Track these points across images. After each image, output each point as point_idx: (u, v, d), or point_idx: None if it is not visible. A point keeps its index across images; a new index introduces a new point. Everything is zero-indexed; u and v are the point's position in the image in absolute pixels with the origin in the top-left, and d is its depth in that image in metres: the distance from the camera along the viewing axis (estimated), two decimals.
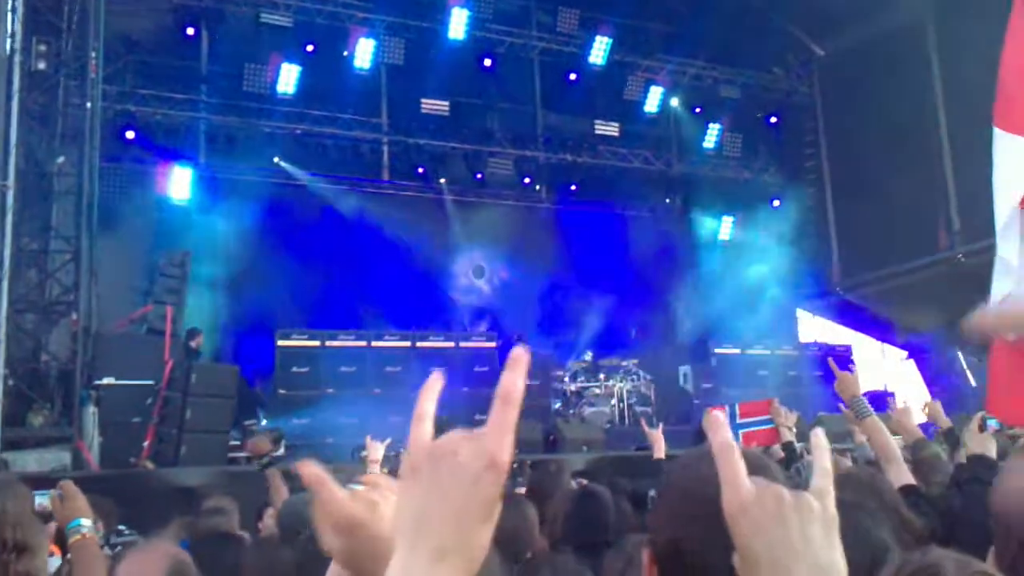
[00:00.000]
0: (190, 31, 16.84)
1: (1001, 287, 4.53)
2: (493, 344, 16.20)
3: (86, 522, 3.20)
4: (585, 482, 6.25)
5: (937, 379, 18.43)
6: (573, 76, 19.78)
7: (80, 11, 12.02)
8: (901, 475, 3.95)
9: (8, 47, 10.17)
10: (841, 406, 5.19)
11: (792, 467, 5.97)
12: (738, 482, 1.30)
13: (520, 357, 1.20)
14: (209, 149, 17.04)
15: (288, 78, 17.02)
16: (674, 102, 21.03)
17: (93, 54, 11.90)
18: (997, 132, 4.82)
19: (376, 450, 5.09)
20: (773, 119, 21.57)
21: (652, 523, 1.60)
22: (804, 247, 21.30)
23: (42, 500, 3.33)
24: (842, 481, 3.77)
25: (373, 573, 1.24)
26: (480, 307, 18.79)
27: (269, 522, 6.00)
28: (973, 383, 16.01)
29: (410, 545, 1.10)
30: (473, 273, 19.33)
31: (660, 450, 5.94)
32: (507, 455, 1.15)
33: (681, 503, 1.56)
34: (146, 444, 10.51)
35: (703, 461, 1.60)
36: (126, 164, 15.85)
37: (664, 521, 1.57)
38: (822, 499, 1.27)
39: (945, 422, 5.56)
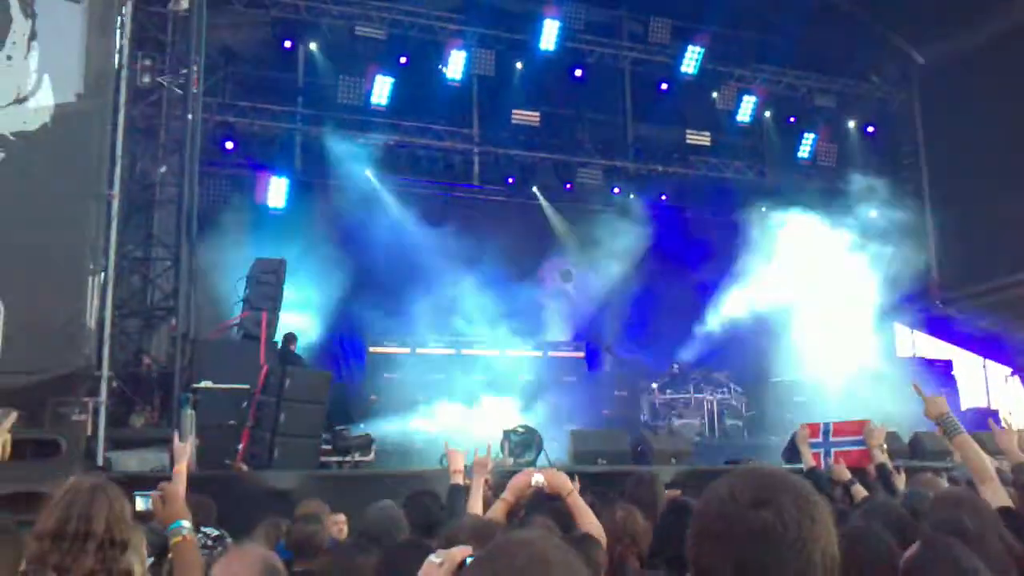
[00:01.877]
0: (287, 44, 17.28)
1: None
2: (581, 354, 16.19)
3: (186, 524, 3.30)
4: (678, 492, 6.14)
5: None
6: (664, 86, 19.66)
7: (183, 27, 12.42)
8: (997, 496, 3.82)
9: (116, 62, 10.53)
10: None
11: (892, 489, 5.82)
12: None
13: None
14: (305, 159, 17.41)
15: (382, 90, 17.31)
16: (767, 112, 20.73)
17: (195, 68, 12.27)
18: None
19: (457, 460, 5.03)
20: (870, 128, 21.08)
21: (689, 547, 1.62)
22: (902, 259, 20.75)
23: (143, 501, 3.44)
24: (941, 500, 3.69)
25: None
26: (568, 313, 18.77)
27: (333, 529, 6.07)
28: None
29: None
30: (561, 277, 19.32)
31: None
32: None
33: (698, 522, 1.61)
34: (241, 447, 10.74)
35: (724, 480, 1.63)
36: (225, 173, 16.33)
37: (690, 540, 1.61)
38: None
39: None
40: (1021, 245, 17.52)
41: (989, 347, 19.82)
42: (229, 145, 16.33)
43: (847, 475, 5.98)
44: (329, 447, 11.76)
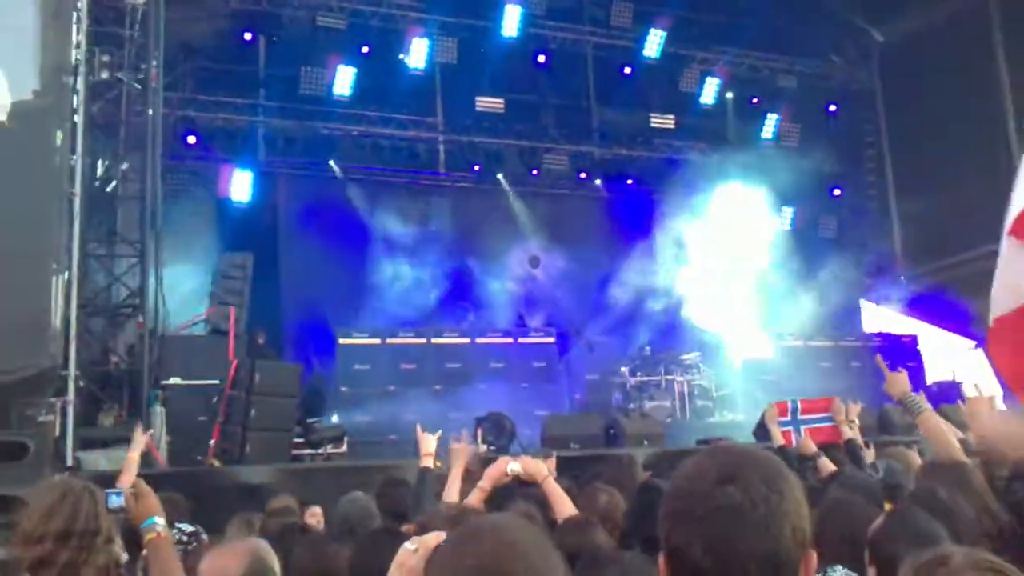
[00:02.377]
0: (247, 36, 17.15)
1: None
2: (551, 340, 16.21)
3: (160, 520, 3.29)
4: (648, 474, 6.18)
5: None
6: (628, 70, 19.69)
7: (142, 21, 12.27)
8: None
9: (73, 58, 10.39)
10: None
11: (860, 464, 5.90)
12: None
13: None
14: (268, 151, 17.30)
15: (344, 80, 17.21)
16: (730, 93, 20.82)
17: (154, 62, 12.15)
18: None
19: (427, 442, 5.05)
20: (832, 108, 21.24)
21: (660, 527, 1.60)
22: (865, 236, 20.99)
23: (115, 499, 3.43)
24: (929, 471, 3.76)
25: None
26: (536, 298, 18.80)
27: (311, 521, 6.08)
28: None
29: None
30: (529, 263, 19.34)
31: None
32: None
33: (667, 502, 1.59)
34: (212, 443, 10.70)
35: (692, 459, 1.62)
36: (187, 168, 16.18)
37: (660, 522, 1.59)
38: None
39: None
40: (981, 220, 17.68)
41: (953, 321, 20.07)
42: (191, 139, 16.18)
43: (813, 448, 6.06)
44: (301, 440, 11.74)
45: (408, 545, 1.90)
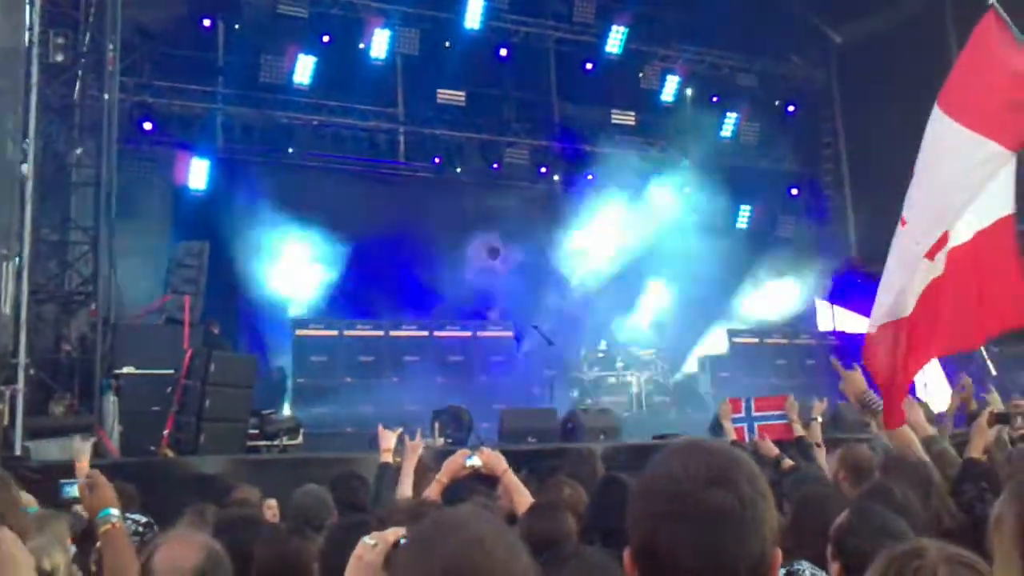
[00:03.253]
0: (206, 22, 16.92)
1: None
2: (509, 334, 16.25)
3: (115, 511, 3.23)
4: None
5: (957, 367, 18.29)
6: (589, 66, 19.71)
7: (97, 3, 12.06)
8: None
9: (26, 40, 10.20)
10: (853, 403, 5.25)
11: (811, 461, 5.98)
12: None
13: None
14: (226, 139, 17.09)
15: (304, 69, 17.04)
16: (690, 91, 20.92)
17: (111, 46, 11.94)
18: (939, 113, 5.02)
19: (387, 439, 5.10)
20: (791, 107, 21.45)
21: (627, 523, 1.57)
22: (822, 235, 21.23)
23: (69, 489, 3.37)
24: (889, 466, 3.81)
25: None
26: (496, 291, 18.81)
27: (267, 513, 6.04)
28: (994, 372, 15.89)
29: None
30: (488, 254, 19.33)
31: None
32: None
33: (648, 501, 1.54)
34: (166, 433, 10.57)
35: (671, 456, 1.58)
36: (144, 155, 15.93)
37: (635, 520, 1.55)
38: None
39: (973, 405, 5.61)
40: None
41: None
42: (148, 126, 15.93)
43: (775, 451, 6.12)
44: (256, 431, 11.64)
45: (367, 540, 1.88)
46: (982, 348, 17.42)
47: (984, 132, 5.01)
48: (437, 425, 11.69)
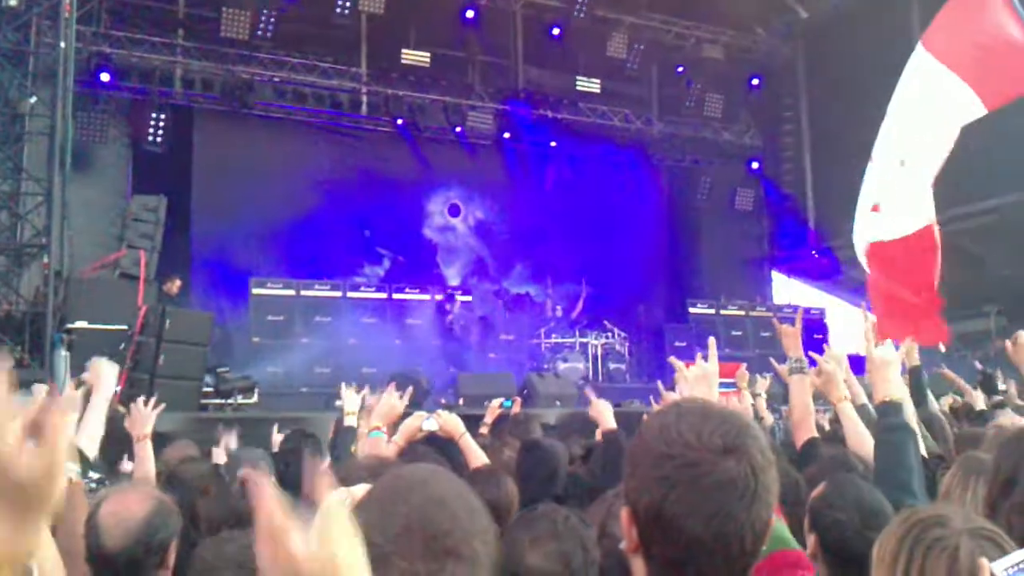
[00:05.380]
0: None
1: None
2: (468, 298, 16.28)
3: (73, 467, 3.18)
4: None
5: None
6: (556, 31, 19.56)
7: None
8: (810, 434, 4.09)
9: None
10: (773, 362, 5.33)
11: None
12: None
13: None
14: (186, 94, 16.81)
15: (267, 24, 16.72)
16: (656, 61, 20.87)
17: None
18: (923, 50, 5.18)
19: (352, 400, 5.00)
20: (755, 81, 21.51)
21: (629, 484, 1.56)
22: (781, 209, 21.39)
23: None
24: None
25: None
26: (456, 250, 18.80)
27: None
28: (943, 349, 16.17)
29: None
30: (448, 212, 19.32)
31: (608, 420, 5.02)
32: None
33: (658, 466, 1.52)
34: (118, 389, 10.45)
35: (681, 420, 1.56)
36: (100, 107, 15.60)
37: (641, 483, 1.54)
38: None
39: (914, 360, 5.71)
40: None
41: (861, 296, 20.62)
42: (105, 77, 15.57)
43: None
44: (211, 390, 11.56)
45: (335, 495, 1.87)
46: None
47: (968, 80, 5.14)
48: (392, 388, 11.66)
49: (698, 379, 2.91)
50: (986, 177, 15.07)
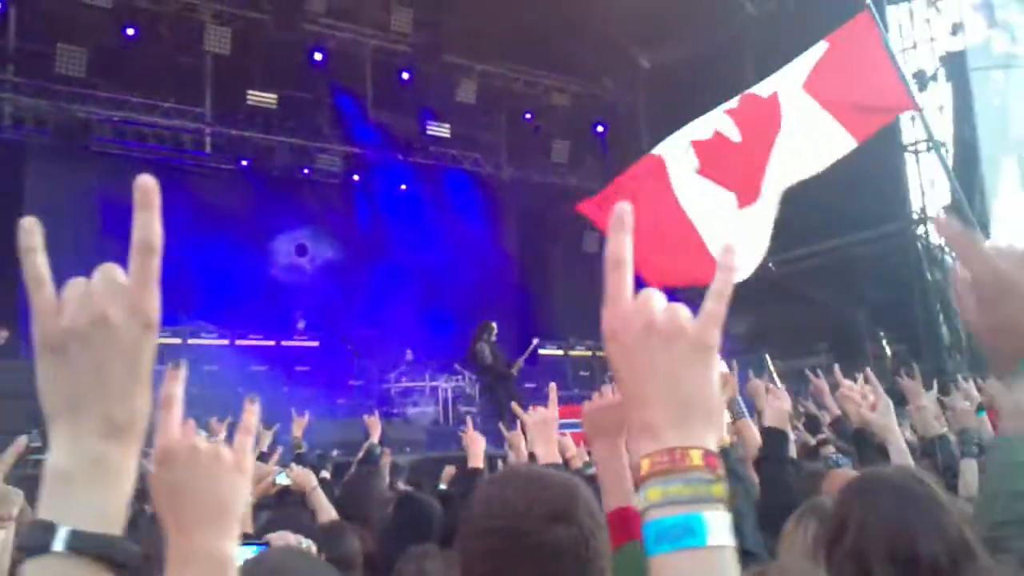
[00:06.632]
0: None
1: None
2: (315, 344, 16.07)
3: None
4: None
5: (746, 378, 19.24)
6: (406, 75, 19.64)
7: None
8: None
9: None
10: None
11: None
12: (619, 299, 1.13)
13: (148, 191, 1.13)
14: (16, 131, 16.03)
15: (106, 62, 16.16)
16: (506, 108, 21.21)
17: None
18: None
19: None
20: (600, 128, 22.07)
21: (463, 559, 1.55)
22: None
23: None
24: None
25: None
26: (302, 292, 18.49)
27: None
28: (780, 384, 16.81)
29: (71, 426, 1.03)
30: (296, 252, 19.04)
31: (477, 457, 4.98)
32: (156, 310, 1.12)
33: (484, 538, 1.52)
34: None
35: (507, 488, 1.56)
36: None
37: (471, 559, 1.53)
38: (704, 326, 1.09)
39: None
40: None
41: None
42: None
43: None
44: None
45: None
46: (768, 360, 18.48)
47: (841, 120, 5.56)
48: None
49: (537, 425, 2.97)
50: (820, 221, 15.81)
